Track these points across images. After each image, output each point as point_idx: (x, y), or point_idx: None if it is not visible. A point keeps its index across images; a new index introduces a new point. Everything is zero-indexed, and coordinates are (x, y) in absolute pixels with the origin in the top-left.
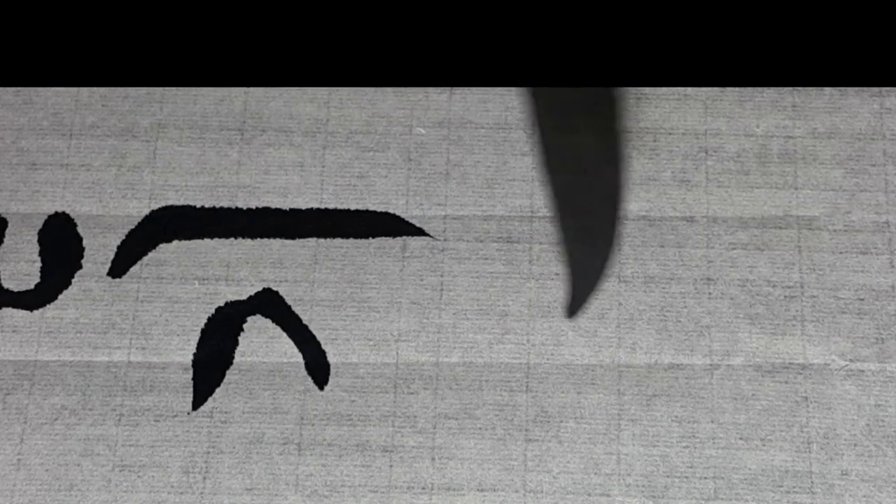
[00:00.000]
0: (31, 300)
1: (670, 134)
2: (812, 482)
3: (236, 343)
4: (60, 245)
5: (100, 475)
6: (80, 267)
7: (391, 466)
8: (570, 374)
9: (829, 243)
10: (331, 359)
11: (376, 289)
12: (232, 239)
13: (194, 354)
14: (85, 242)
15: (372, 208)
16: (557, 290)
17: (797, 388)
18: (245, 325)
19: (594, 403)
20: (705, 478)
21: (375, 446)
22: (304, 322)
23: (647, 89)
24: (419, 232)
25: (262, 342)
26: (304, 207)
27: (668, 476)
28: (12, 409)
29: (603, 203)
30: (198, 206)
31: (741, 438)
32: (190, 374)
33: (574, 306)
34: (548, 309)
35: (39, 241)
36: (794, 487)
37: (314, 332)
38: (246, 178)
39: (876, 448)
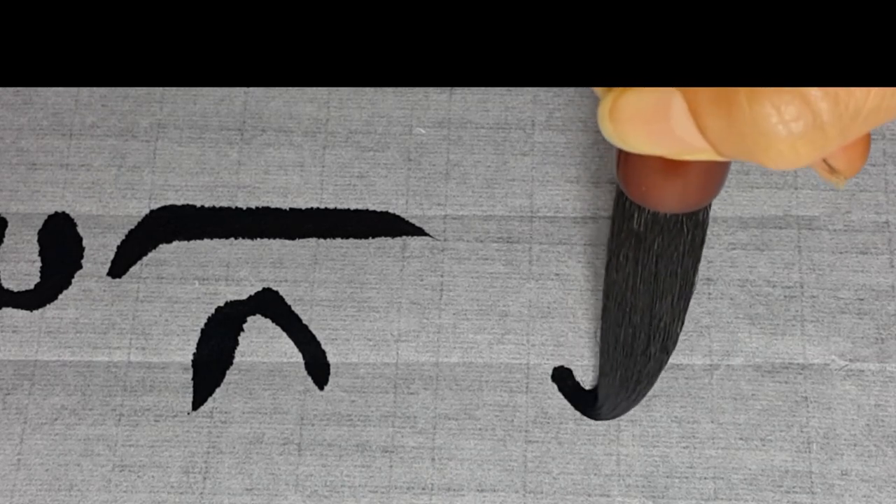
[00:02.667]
0: (31, 300)
1: None
2: (812, 482)
3: (236, 343)
4: (60, 245)
5: (100, 475)
6: (80, 267)
7: (391, 467)
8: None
9: (829, 243)
10: (331, 359)
11: (376, 289)
12: (232, 239)
13: (194, 354)
14: (85, 242)
15: (372, 208)
16: (557, 290)
17: (797, 388)
18: (245, 325)
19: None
20: (705, 478)
21: (375, 446)
22: (304, 322)
23: None
24: (419, 232)
25: (262, 342)
26: (304, 207)
27: (667, 476)
28: (12, 409)
29: (660, 352)
30: (198, 205)
31: (741, 438)
32: (190, 374)
33: (605, 414)
34: (548, 309)
35: (39, 240)
36: (793, 487)
37: (314, 332)
38: (246, 178)
39: (876, 448)
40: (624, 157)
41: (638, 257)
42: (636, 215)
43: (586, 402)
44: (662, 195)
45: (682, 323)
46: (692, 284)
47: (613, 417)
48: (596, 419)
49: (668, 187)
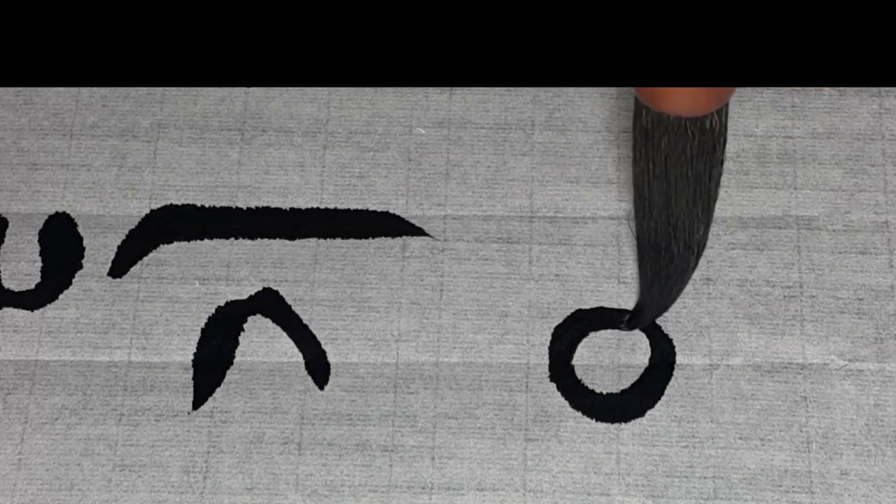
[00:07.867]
0: (32, 300)
1: None
2: (811, 482)
3: (236, 343)
4: (61, 245)
5: (100, 475)
6: (81, 267)
7: (391, 466)
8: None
9: (829, 243)
10: (331, 359)
11: (376, 289)
12: (232, 239)
13: (194, 354)
14: (85, 242)
15: (372, 208)
16: (557, 290)
17: (796, 387)
18: (245, 325)
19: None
20: (705, 477)
21: (375, 446)
22: (305, 322)
23: None
24: (419, 232)
25: (262, 342)
26: (304, 207)
27: (667, 476)
28: (13, 409)
29: (684, 251)
30: (198, 205)
31: (740, 438)
32: (190, 374)
33: (638, 321)
34: (547, 310)
35: (40, 241)
36: (793, 487)
37: (314, 332)
38: (246, 178)
39: (875, 448)
40: None
41: (649, 153)
42: (644, 113)
43: (586, 400)
44: (661, 97)
45: (707, 228)
46: (709, 191)
47: (651, 320)
48: (635, 325)
49: (665, 90)
